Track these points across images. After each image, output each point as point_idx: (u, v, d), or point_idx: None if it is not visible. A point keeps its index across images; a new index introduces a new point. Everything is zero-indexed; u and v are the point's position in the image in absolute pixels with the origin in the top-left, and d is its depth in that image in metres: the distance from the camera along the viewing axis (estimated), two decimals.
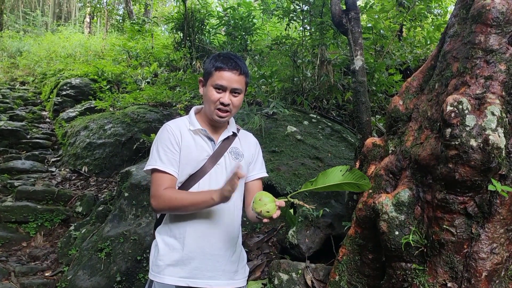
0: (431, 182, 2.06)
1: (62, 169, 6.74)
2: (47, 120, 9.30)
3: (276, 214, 1.62)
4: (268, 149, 4.49)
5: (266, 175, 2.13)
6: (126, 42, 12.21)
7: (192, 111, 2.01)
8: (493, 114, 1.85)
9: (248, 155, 2.04)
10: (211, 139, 1.95)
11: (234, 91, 1.86)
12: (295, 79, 6.55)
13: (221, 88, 1.84)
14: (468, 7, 2.25)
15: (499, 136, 1.81)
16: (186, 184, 1.89)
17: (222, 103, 1.84)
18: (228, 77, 1.84)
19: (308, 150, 4.57)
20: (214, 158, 1.91)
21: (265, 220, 1.62)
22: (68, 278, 3.80)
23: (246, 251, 2.11)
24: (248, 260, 3.35)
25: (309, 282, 2.85)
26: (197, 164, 1.88)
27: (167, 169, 1.85)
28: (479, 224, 1.94)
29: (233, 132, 2.02)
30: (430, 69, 2.54)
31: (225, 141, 1.98)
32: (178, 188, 1.89)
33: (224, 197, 1.67)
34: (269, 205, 1.61)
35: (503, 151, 1.82)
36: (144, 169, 1.94)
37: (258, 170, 2.08)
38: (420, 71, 2.62)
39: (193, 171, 1.88)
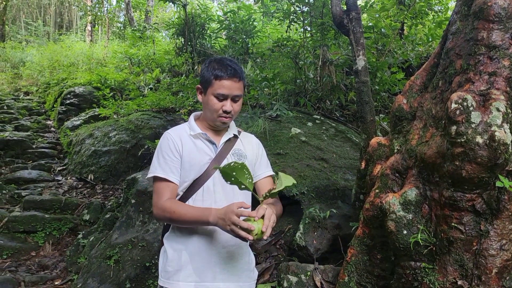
0: (438, 180, 2.05)
1: (69, 178, 6.77)
2: (52, 129, 9.36)
3: (265, 235, 1.59)
4: (273, 152, 4.49)
5: (273, 173, 2.12)
6: (128, 49, 12.27)
7: (191, 118, 2.03)
8: (498, 110, 1.85)
9: (251, 155, 2.04)
10: (212, 142, 1.96)
11: (234, 98, 1.88)
12: (297, 80, 6.55)
13: (222, 97, 1.86)
14: (470, 3, 2.25)
15: (505, 132, 1.80)
16: (191, 189, 1.90)
17: (224, 111, 1.86)
18: (229, 86, 1.85)
19: (313, 151, 4.57)
20: (217, 160, 1.92)
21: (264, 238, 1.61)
22: (78, 286, 3.81)
23: (254, 254, 2.11)
24: (256, 263, 3.35)
25: (318, 284, 2.85)
26: (200, 168, 1.89)
27: (167, 176, 1.87)
28: (488, 221, 1.93)
29: (234, 134, 2.03)
30: (433, 66, 2.54)
31: (227, 143, 1.99)
32: (184, 193, 1.90)
33: (221, 227, 1.68)
34: (256, 228, 1.58)
35: (510, 147, 1.81)
36: (146, 176, 1.97)
37: (264, 169, 2.08)
38: (423, 69, 2.62)
39: (196, 175, 1.89)
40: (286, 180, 1.71)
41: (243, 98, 1.98)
